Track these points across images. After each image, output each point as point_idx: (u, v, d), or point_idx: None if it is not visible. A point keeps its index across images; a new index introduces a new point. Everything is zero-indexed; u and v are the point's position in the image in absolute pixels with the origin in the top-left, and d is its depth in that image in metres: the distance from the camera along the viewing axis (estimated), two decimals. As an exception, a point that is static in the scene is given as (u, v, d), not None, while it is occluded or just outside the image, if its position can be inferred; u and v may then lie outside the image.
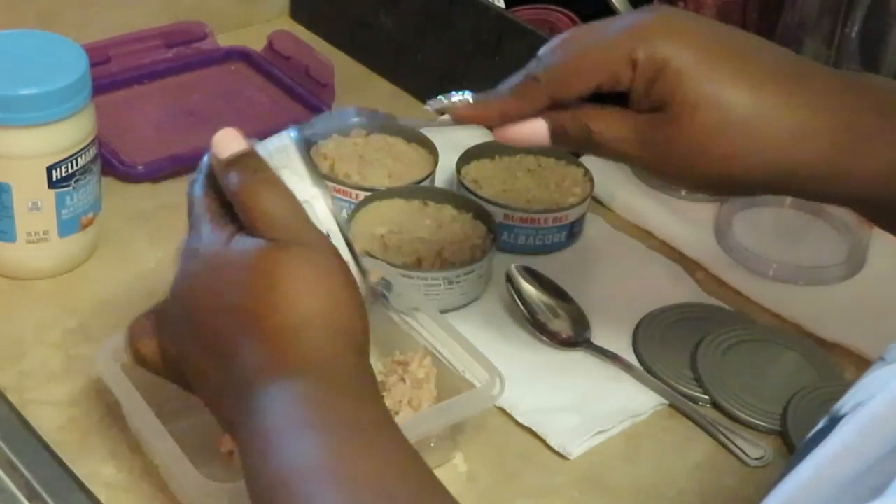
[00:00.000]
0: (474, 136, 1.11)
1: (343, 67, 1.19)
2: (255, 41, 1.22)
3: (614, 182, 1.09)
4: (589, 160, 1.07)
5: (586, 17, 1.17)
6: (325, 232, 0.67)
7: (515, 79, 0.74)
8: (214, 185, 0.68)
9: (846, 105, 0.68)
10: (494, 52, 1.11)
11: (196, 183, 0.69)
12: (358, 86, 1.21)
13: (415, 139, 1.07)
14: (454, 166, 1.04)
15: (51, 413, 0.84)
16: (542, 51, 0.74)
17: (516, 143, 0.74)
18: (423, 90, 1.19)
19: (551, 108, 0.72)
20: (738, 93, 0.67)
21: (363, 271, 0.68)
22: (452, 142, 1.08)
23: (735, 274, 1.01)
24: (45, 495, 0.78)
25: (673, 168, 0.70)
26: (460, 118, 0.74)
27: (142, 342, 0.69)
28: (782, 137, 0.67)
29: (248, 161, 0.66)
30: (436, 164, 1.04)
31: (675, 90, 0.68)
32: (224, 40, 1.22)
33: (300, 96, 1.16)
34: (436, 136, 1.07)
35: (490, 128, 0.74)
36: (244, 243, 0.64)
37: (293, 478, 0.57)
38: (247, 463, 0.60)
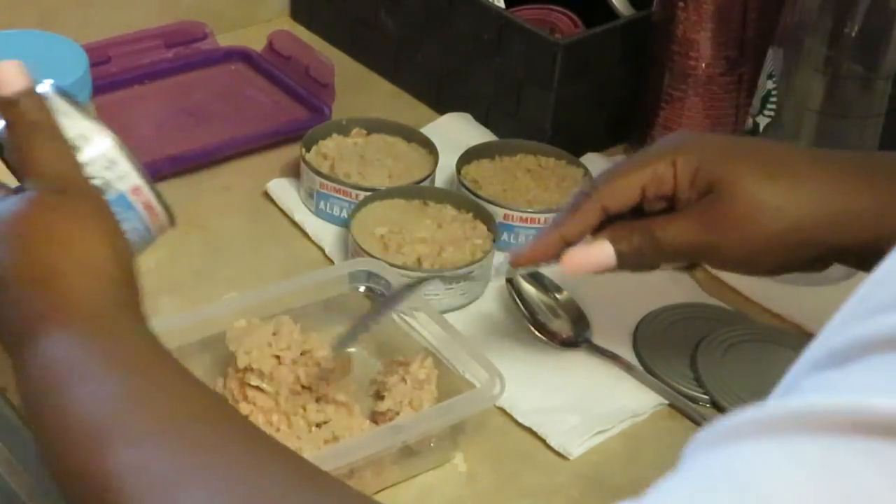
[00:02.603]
0: (474, 136, 1.11)
1: (343, 67, 1.19)
2: (255, 41, 1.22)
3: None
4: (588, 160, 1.08)
5: (586, 17, 1.17)
6: (107, 163, 0.67)
7: (570, 201, 0.79)
8: None
9: (877, 184, 0.75)
10: (494, 52, 1.11)
11: None
12: (358, 86, 1.21)
13: (415, 139, 1.07)
14: (454, 166, 1.04)
15: (51, 413, 0.84)
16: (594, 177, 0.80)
17: (587, 271, 0.78)
18: (423, 90, 1.19)
19: (610, 230, 0.77)
20: (758, 183, 0.75)
21: (158, 195, 0.69)
22: (452, 142, 1.08)
23: (735, 274, 1.01)
24: (45, 495, 0.78)
25: (733, 243, 0.75)
26: (523, 264, 0.80)
27: None
28: (817, 219, 0.75)
29: (27, 102, 0.66)
30: (436, 164, 1.04)
31: (717, 171, 0.75)
32: (224, 40, 1.22)
33: (300, 96, 1.16)
34: (436, 136, 1.07)
35: (556, 260, 0.78)
36: (13, 199, 0.64)
37: (87, 428, 0.56)
38: (33, 415, 0.59)
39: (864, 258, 0.77)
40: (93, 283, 0.62)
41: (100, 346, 0.60)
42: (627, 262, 0.78)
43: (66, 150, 0.66)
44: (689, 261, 0.80)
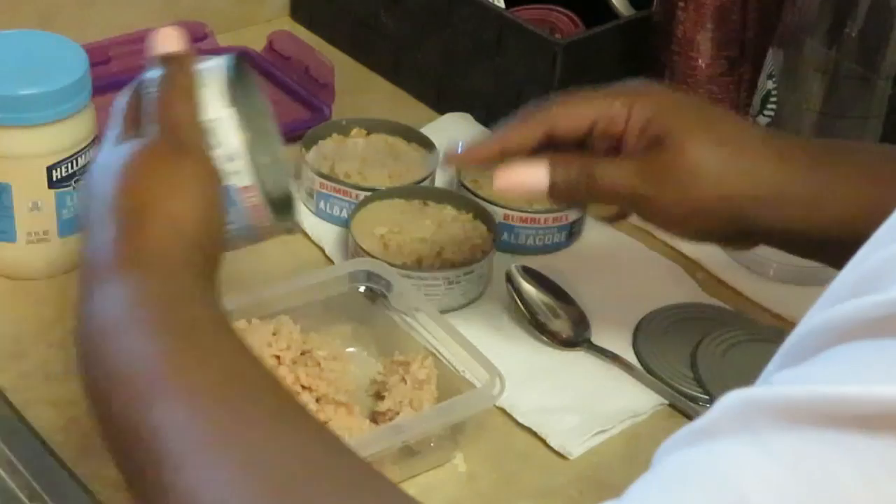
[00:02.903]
0: (474, 136, 1.11)
1: (343, 67, 1.19)
2: (255, 41, 1.22)
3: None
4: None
5: (586, 17, 1.17)
6: (228, 155, 0.68)
7: (519, 114, 0.78)
8: (138, 101, 0.70)
9: (820, 173, 0.75)
10: (494, 52, 1.11)
11: (122, 95, 0.71)
12: (358, 86, 1.21)
13: (415, 139, 1.07)
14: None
15: (51, 413, 0.84)
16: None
17: (514, 190, 0.77)
18: (423, 90, 1.19)
19: (550, 156, 0.76)
20: (706, 145, 0.75)
21: (276, 204, 0.70)
22: (452, 142, 1.08)
23: (735, 274, 1.01)
24: (45, 495, 0.78)
25: (669, 199, 0.75)
26: (463, 160, 0.80)
27: None
28: (753, 195, 0.75)
29: (175, 63, 0.69)
30: (436, 164, 1.04)
31: (670, 124, 0.74)
32: (224, 40, 1.22)
33: (300, 96, 1.16)
34: (436, 136, 1.07)
35: (488, 166, 0.78)
36: (134, 141, 0.66)
37: (132, 380, 0.56)
38: (82, 353, 0.60)
39: (791, 243, 0.78)
40: (174, 241, 0.62)
41: (162, 304, 0.60)
42: (559, 192, 0.76)
43: (196, 115, 0.68)
44: (618, 207, 0.79)
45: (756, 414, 0.42)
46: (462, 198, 1.00)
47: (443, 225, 0.97)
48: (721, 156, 0.74)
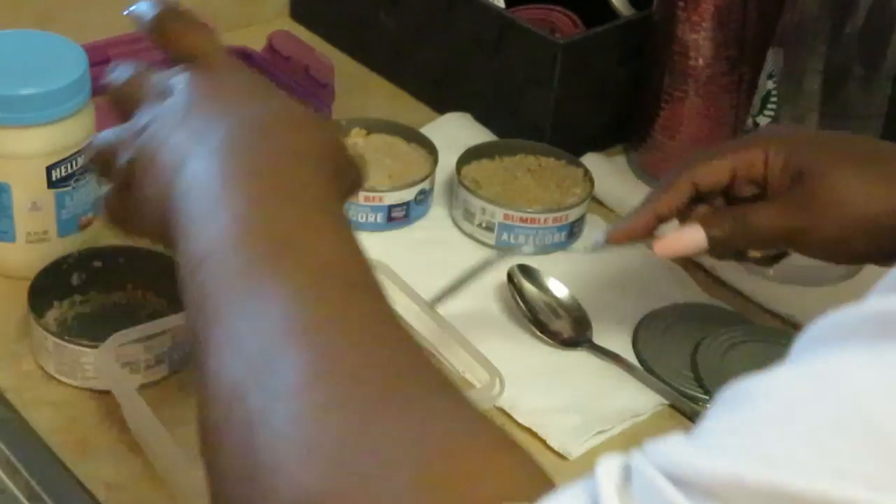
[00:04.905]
0: (474, 136, 1.11)
1: (343, 67, 1.19)
2: (255, 41, 1.22)
3: (614, 182, 1.08)
4: (588, 160, 1.08)
5: (586, 17, 1.17)
6: None
7: (663, 180, 0.81)
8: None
9: None
10: (494, 52, 1.11)
11: (116, 72, 0.71)
12: (358, 86, 1.20)
13: (415, 139, 1.07)
14: (454, 166, 1.04)
15: (51, 413, 0.84)
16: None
17: (679, 254, 0.81)
18: (423, 90, 1.19)
19: (702, 216, 0.79)
20: (848, 169, 0.77)
21: None
22: (452, 142, 1.08)
23: (735, 274, 1.01)
24: (44, 496, 0.78)
25: (823, 227, 0.77)
26: (619, 240, 0.82)
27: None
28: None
29: (162, 9, 0.70)
30: (436, 164, 1.04)
31: (808, 158, 0.77)
32: (224, 40, 1.22)
33: (300, 96, 1.16)
34: (436, 136, 1.07)
35: (647, 241, 0.81)
36: (182, 71, 0.66)
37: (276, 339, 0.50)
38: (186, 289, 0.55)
39: None
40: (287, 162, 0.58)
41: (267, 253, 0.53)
42: (718, 246, 0.79)
43: (212, 38, 0.69)
44: (778, 247, 0.81)
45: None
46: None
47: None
48: (864, 176, 0.76)
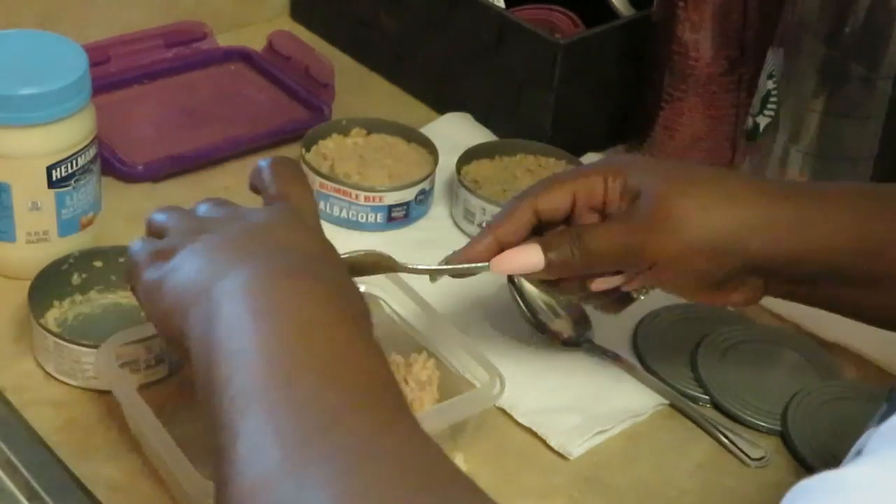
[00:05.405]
0: (474, 136, 1.11)
1: (343, 67, 1.19)
2: (255, 41, 1.22)
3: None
4: (588, 160, 1.07)
5: (586, 17, 1.17)
6: None
7: (504, 205, 0.81)
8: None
9: (800, 199, 0.78)
10: (494, 52, 1.11)
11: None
12: (358, 86, 1.21)
13: (415, 139, 1.07)
14: (454, 166, 1.04)
15: (51, 413, 0.84)
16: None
17: (515, 271, 0.80)
18: (423, 90, 1.19)
19: (541, 237, 0.79)
20: (685, 188, 0.77)
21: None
22: (452, 142, 1.08)
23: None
24: (45, 495, 0.78)
25: (659, 244, 0.76)
26: (462, 260, 0.80)
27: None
28: (741, 223, 0.77)
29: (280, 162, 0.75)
30: (435, 164, 1.04)
31: (645, 180, 0.77)
32: (224, 40, 1.22)
33: (300, 96, 1.16)
34: (436, 136, 1.07)
35: (488, 261, 0.80)
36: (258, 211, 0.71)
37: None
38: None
39: (779, 274, 0.78)
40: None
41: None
42: (556, 266, 0.79)
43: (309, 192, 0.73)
44: (616, 268, 0.80)
45: None
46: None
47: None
48: (699, 198, 0.76)
